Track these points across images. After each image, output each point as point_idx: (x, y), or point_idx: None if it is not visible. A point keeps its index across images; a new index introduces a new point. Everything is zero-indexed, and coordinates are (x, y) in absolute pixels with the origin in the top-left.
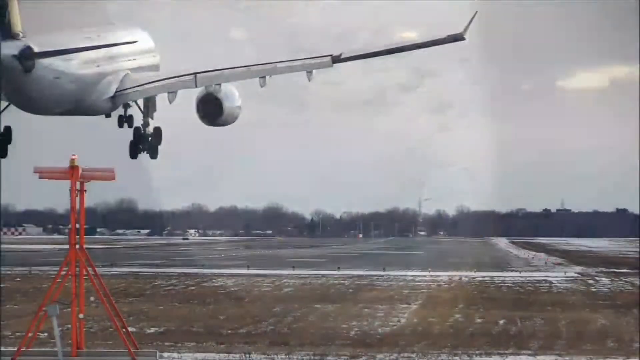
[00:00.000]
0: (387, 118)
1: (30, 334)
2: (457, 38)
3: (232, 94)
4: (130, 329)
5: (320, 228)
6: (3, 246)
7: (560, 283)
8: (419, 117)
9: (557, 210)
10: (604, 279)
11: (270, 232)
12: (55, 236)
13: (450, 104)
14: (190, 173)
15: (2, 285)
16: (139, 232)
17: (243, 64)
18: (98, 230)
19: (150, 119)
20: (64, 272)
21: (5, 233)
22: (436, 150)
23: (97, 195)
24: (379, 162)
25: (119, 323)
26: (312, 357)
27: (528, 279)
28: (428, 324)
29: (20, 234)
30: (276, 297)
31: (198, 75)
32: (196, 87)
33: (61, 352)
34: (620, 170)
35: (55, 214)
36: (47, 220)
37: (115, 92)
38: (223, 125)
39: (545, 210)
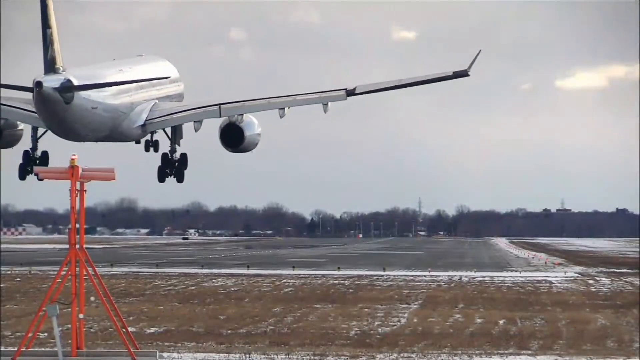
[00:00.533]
0: (387, 118)
1: (30, 334)
2: (462, 74)
3: (253, 123)
4: (130, 329)
5: (320, 228)
6: (3, 246)
7: (560, 283)
8: (419, 117)
9: (557, 210)
10: (604, 279)
11: (270, 232)
12: (55, 236)
13: (450, 104)
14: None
15: (2, 285)
16: (139, 231)
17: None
18: (98, 229)
19: (177, 146)
20: (64, 272)
21: (5, 233)
22: (436, 150)
23: (97, 195)
24: (379, 161)
25: (119, 323)
26: (312, 357)
27: (528, 279)
28: (428, 324)
29: (20, 234)
30: (276, 297)
31: (222, 106)
32: (220, 117)
33: (61, 352)
34: (620, 170)
35: (55, 214)
36: (47, 220)
37: (146, 120)
38: (244, 151)
39: (545, 210)
